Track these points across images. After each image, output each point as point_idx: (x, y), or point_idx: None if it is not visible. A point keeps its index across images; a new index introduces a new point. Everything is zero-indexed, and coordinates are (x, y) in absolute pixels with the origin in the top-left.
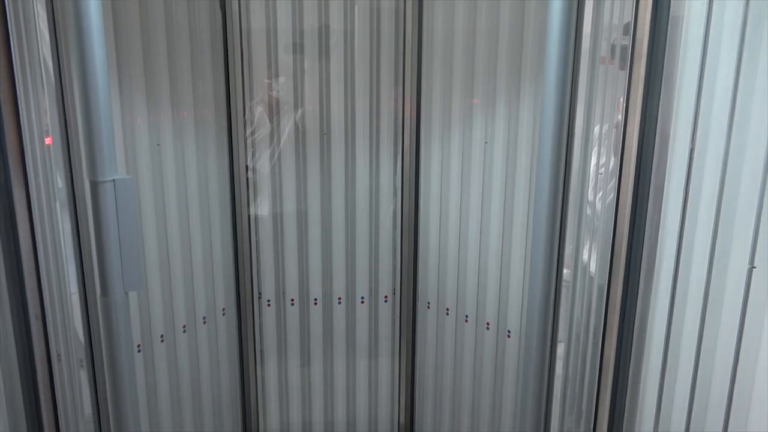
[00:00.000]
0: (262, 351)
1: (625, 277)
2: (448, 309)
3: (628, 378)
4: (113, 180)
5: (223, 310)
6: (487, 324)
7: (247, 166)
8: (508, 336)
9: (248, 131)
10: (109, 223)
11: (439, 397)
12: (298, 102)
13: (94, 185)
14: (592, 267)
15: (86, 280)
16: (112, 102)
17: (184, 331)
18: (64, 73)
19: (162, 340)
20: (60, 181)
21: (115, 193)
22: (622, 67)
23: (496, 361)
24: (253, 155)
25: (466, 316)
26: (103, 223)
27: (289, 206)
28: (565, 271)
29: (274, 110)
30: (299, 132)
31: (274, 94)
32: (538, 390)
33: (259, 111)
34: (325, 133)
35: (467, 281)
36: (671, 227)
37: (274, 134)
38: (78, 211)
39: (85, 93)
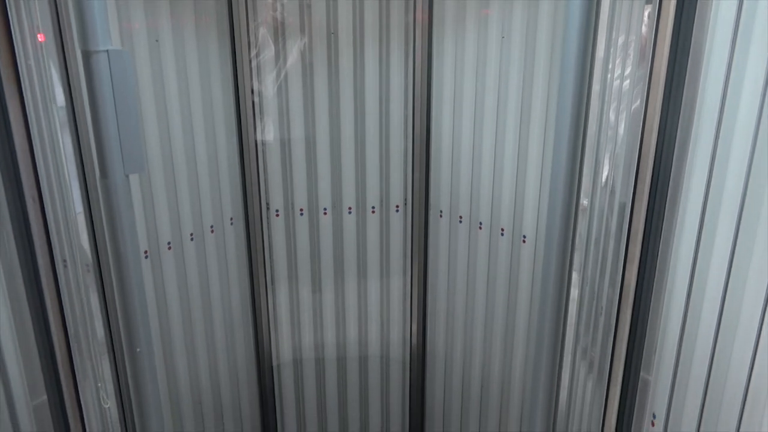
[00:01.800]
0: (272, 265)
1: (650, 197)
2: (461, 216)
3: (649, 304)
4: (107, 50)
5: (231, 219)
6: (502, 230)
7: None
8: (524, 241)
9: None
10: (104, 99)
11: (452, 314)
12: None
13: (87, 55)
14: (612, 183)
15: (89, 186)
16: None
17: (192, 240)
18: None
19: (169, 248)
20: (56, 81)
21: (110, 66)
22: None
23: (510, 269)
24: (257, 57)
25: (480, 223)
26: (99, 98)
27: (297, 114)
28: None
29: (279, 32)
30: (305, 40)
31: (278, 15)
32: (558, 295)
33: (263, 32)
34: (332, 32)
35: (481, 187)
36: (704, 144)
37: (279, 52)
38: (78, 120)
39: None
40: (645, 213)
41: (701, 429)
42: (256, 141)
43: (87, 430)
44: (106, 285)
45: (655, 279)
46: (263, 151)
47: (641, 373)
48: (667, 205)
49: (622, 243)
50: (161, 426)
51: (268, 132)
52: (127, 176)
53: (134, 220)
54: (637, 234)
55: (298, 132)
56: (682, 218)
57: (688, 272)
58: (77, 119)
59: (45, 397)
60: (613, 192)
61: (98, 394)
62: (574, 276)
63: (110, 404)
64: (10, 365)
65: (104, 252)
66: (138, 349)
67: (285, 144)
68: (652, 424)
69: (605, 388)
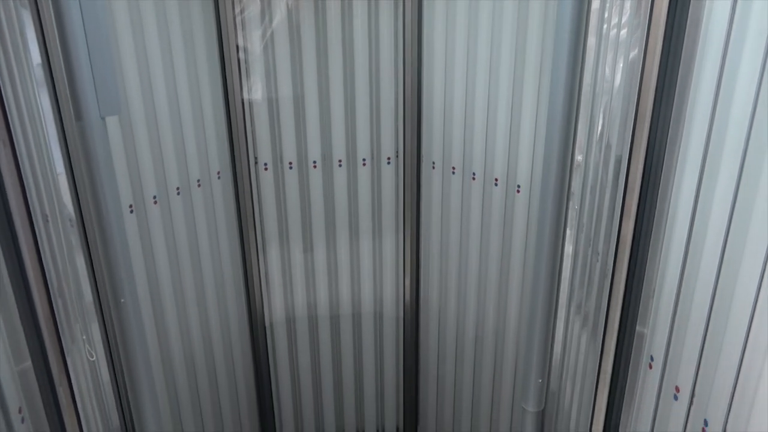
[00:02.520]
0: (261, 220)
1: (647, 149)
2: (454, 168)
3: (646, 257)
4: None
5: (218, 173)
6: (496, 180)
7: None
8: (518, 191)
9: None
10: (75, 34)
11: (445, 267)
12: None
13: None
14: (608, 136)
15: (67, 133)
16: None
17: (178, 194)
18: None
19: (155, 202)
20: (27, 24)
21: (80, 3)
22: None
23: (504, 219)
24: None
25: (473, 174)
26: (69, 33)
27: (284, 65)
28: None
29: None
30: None
31: None
32: (553, 248)
33: None
34: None
35: (474, 137)
36: (705, 93)
37: None
38: (52, 64)
39: None
40: (642, 166)
41: (700, 371)
42: (242, 94)
43: (75, 392)
44: (90, 240)
45: (653, 232)
46: (250, 104)
47: (637, 327)
48: (665, 158)
49: (618, 197)
50: (150, 377)
51: (255, 85)
52: (103, 119)
53: (113, 164)
54: (634, 187)
55: (285, 83)
56: (681, 170)
57: (687, 225)
58: (52, 63)
59: (29, 362)
60: (609, 146)
61: (84, 346)
62: (568, 232)
63: (96, 357)
64: None
65: (87, 205)
66: (122, 300)
67: (272, 96)
68: (650, 367)
69: (601, 340)
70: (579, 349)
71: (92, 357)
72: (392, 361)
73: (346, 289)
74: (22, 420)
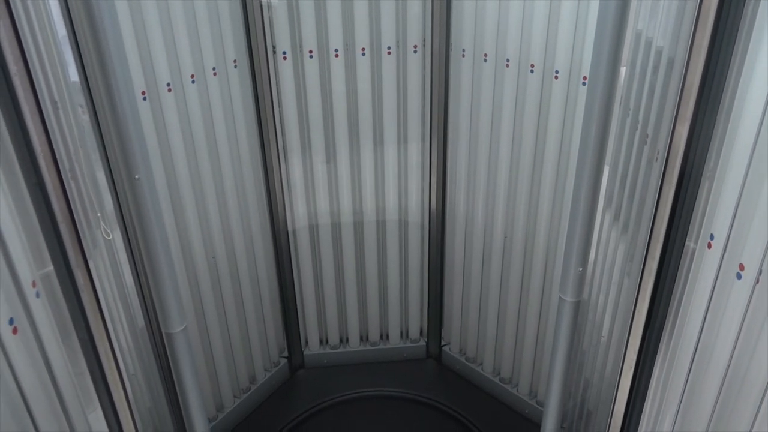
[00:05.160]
0: (281, 111)
1: (709, 50)
2: (486, 55)
3: (702, 167)
4: None
5: (235, 62)
6: (532, 66)
7: None
8: (556, 77)
9: None
10: None
11: (474, 164)
12: None
13: None
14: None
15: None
16: None
17: (193, 82)
18: None
19: (169, 89)
20: None
21: None
22: None
23: (540, 106)
24: None
25: (507, 60)
26: None
27: None
28: None
29: None
30: None
31: None
32: (600, 140)
33: None
34: None
35: (509, 20)
36: None
37: None
38: None
39: None
40: (702, 68)
41: None
42: None
43: (93, 272)
44: (101, 120)
45: (712, 136)
46: None
47: (686, 242)
48: (732, 57)
49: (668, 101)
50: (170, 258)
51: None
52: None
53: (120, 31)
54: (691, 91)
55: None
56: (750, 67)
57: (753, 135)
58: None
59: (51, 267)
60: (659, 50)
61: (99, 225)
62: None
63: (112, 237)
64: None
65: (96, 81)
66: (137, 176)
67: None
68: (709, 246)
69: (650, 222)
70: (618, 239)
71: (108, 236)
72: (416, 267)
73: (370, 189)
74: (37, 294)
